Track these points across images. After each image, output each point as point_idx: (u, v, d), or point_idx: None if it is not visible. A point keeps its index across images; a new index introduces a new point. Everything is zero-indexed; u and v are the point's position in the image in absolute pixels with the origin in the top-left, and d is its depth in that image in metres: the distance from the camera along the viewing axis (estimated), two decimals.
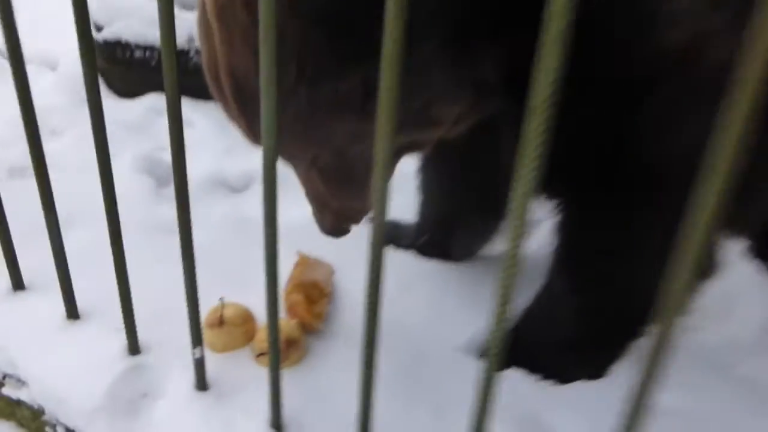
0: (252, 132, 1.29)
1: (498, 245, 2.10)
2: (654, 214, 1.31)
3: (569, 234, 1.47)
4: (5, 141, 2.43)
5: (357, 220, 1.56)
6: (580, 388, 1.64)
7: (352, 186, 1.43)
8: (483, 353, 1.73)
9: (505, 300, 0.88)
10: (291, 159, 1.37)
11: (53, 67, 3.30)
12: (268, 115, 0.96)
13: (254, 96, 1.03)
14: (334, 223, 1.51)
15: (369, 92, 1.14)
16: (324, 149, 1.31)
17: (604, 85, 1.20)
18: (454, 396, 1.53)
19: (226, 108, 1.32)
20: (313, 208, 1.51)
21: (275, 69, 0.92)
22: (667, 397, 1.71)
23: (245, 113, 1.26)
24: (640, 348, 1.69)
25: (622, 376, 1.69)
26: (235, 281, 1.76)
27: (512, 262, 0.84)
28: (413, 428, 1.43)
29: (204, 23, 1.23)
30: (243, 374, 1.49)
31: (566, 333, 1.63)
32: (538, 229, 2.33)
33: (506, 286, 0.86)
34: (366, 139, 1.21)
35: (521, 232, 0.82)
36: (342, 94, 1.19)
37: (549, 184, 0.96)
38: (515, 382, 1.61)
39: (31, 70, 3.37)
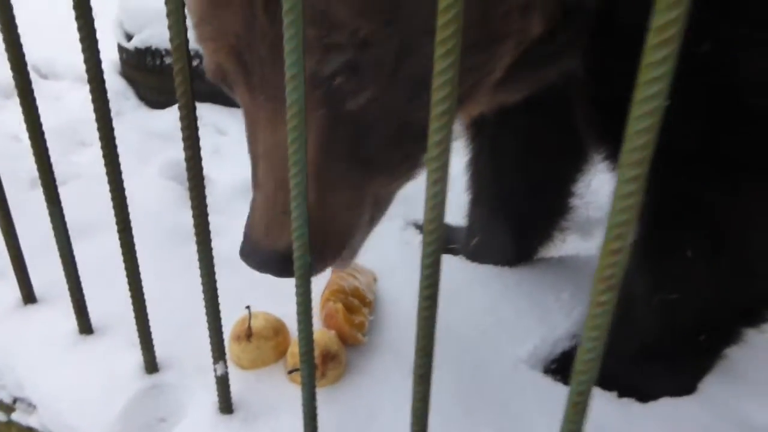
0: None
1: (560, 245, 1.88)
2: (765, 188, 1.08)
3: (655, 219, 1.24)
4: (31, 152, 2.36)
5: (338, 253, 1.02)
6: (667, 405, 1.41)
7: (376, 163, 0.95)
8: (550, 366, 1.52)
9: (602, 307, 0.66)
10: (323, 41, 0.81)
11: (87, 80, 3.28)
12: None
13: None
14: (287, 240, 0.89)
15: None
16: (387, 29, 0.79)
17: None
18: (518, 414, 1.32)
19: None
20: (261, 202, 0.99)
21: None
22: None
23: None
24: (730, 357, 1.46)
25: (716, 391, 1.45)
26: (268, 290, 1.60)
27: (611, 261, 0.62)
28: None
29: None
30: (274, 394, 1.30)
31: (648, 339, 1.41)
32: (600, 227, 2.12)
33: (605, 292, 0.64)
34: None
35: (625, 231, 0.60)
36: None
37: None
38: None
39: (65, 85, 3.38)
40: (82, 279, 1.41)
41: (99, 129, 1.13)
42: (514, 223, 1.81)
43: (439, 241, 0.74)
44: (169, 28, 0.94)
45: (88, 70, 1.09)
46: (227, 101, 2.90)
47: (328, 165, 0.88)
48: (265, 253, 0.90)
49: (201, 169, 1.03)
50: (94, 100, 1.11)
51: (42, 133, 1.24)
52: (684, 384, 1.45)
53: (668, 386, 1.43)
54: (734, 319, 1.36)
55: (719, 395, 1.43)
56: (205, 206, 1.06)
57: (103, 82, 1.10)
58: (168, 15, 0.93)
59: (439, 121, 0.67)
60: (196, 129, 1.01)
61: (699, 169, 1.11)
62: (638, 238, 1.31)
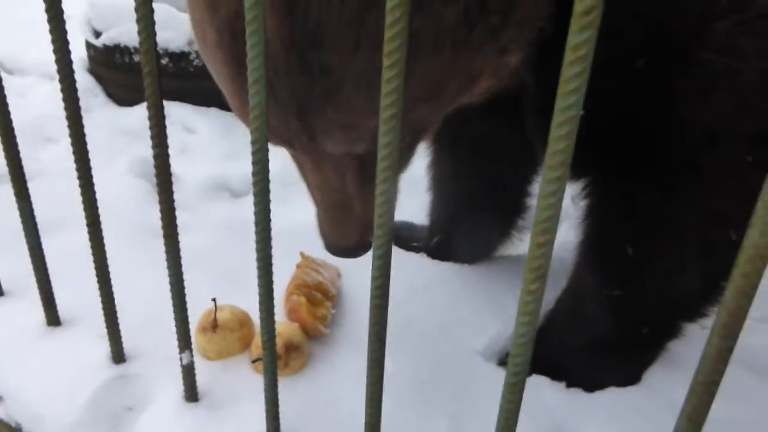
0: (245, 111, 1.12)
1: (518, 243, 1.96)
2: (698, 187, 1.16)
3: (598, 219, 1.33)
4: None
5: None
6: (613, 394, 1.49)
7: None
8: (504, 358, 1.60)
9: (533, 295, 0.73)
10: (348, 136, 1.01)
11: (53, 77, 3.26)
12: (257, 73, 0.82)
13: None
14: (358, 236, 1.20)
15: (473, 20, 0.93)
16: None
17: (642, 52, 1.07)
18: (472, 404, 1.39)
19: (218, 75, 1.06)
20: (330, 220, 1.20)
21: (263, 65, 0.78)
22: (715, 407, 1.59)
23: (238, 79, 0.98)
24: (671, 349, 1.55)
25: (658, 380, 1.54)
26: (235, 284, 1.66)
27: (539, 253, 0.70)
28: None
29: None
30: (238, 383, 1.35)
31: (596, 333, 1.48)
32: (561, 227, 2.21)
33: (535, 281, 0.72)
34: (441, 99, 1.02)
35: (550, 225, 0.68)
36: (447, 23, 0.90)
37: (576, 161, 0.79)
38: (540, 389, 1.46)
39: (30, 81, 3.35)
40: (50, 273, 1.43)
41: (69, 126, 1.17)
42: (473, 222, 1.88)
43: (389, 233, 0.81)
44: (139, 33, 0.98)
45: (59, 70, 1.12)
46: (195, 100, 2.92)
47: (363, 186, 1.14)
48: (341, 248, 1.23)
49: (168, 165, 1.08)
50: (64, 99, 1.15)
51: (12, 129, 1.27)
52: (629, 374, 1.53)
53: (615, 377, 1.51)
54: (674, 314, 1.44)
55: (661, 384, 1.52)
56: (173, 200, 1.10)
57: (73, 79, 1.14)
58: (137, 21, 0.98)
59: (387, 125, 0.73)
60: (164, 128, 1.05)
61: (636, 173, 1.20)
62: (584, 238, 1.40)
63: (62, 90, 1.14)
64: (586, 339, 1.50)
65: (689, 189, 1.19)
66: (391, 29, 0.68)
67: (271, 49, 0.90)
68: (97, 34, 2.92)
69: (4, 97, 1.27)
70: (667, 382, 1.53)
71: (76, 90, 1.16)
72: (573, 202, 2.37)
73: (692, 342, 1.55)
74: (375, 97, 0.86)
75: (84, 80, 3.09)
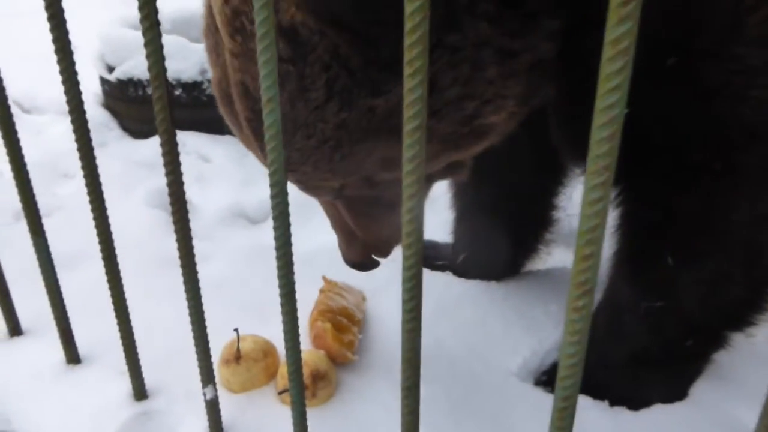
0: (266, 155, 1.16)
1: (546, 258, 1.89)
2: (741, 189, 1.10)
3: (634, 228, 1.26)
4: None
5: (386, 253, 1.38)
6: (659, 412, 1.42)
7: (381, 216, 1.26)
8: (541, 378, 1.53)
9: (580, 312, 0.67)
10: (314, 191, 1.18)
11: (68, 113, 3.29)
12: (273, 130, 0.79)
13: None
14: (362, 255, 1.35)
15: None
16: (352, 178, 1.11)
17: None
18: (510, 427, 1.32)
19: (238, 130, 1.16)
20: (339, 240, 1.36)
21: (276, 83, 0.76)
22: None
23: (258, 133, 1.07)
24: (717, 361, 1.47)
25: (706, 395, 1.46)
26: (257, 313, 1.62)
27: (585, 267, 0.64)
28: None
29: (212, 35, 1.09)
30: (265, 416, 1.30)
31: (636, 347, 1.41)
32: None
33: (581, 297, 0.66)
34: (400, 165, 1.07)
35: (596, 236, 0.62)
36: (379, 114, 0.98)
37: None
38: (582, 410, 1.36)
39: (47, 119, 3.38)
40: (68, 309, 1.40)
41: (80, 154, 1.14)
42: (498, 238, 1.82)
43: (418, 254, 0.76)
44: (147, 57, 0.95)
45: (68, 101, 1.10)
46: (210, 129, 2.91)
47: (355, 219, 1.27)
48: (350, 263, 1.36)
49: (183, 192, 1.04)
50: (75, 130, 1.13)
51: (24, 165, 1.24)
52: (675, 390, 1.46)
53: (659, 393, 1.44)
54: (719, 323, 1.37)
55: (710, 399, 1.44)
56: (189, 228, 1.06)
57: (83, 108, 1.12)
58: (145, 45, 0.95)
59: (411, 137, 0.69)
60: (177, 153, 1.02)
61: (672, 177, 1.13)
62: (620, 248, 1.33)
63: (72, 121, 1.12)
64: (627, 354, 1.43)
65: (731, 191, 1.12)
66: (411, 35, 0.64)
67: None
68: (111, 69, 2.94)
69: (16, 133, 1.25)
70: (716, 397, 1.45)
71: (86, 119, 1.14)
72: None
73: (739, 353, 1.48)
74: (320, 167, 1.05)
75: (99, 115, 3.10)
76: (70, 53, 1.07)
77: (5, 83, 1.21)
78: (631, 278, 1.34)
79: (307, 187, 1.15)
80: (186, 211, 1.06)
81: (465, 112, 1.01)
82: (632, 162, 1.14)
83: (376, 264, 1.38)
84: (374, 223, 1.27)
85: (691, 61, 1.02)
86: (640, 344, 1.40)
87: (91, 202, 1.14)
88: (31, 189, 1.26)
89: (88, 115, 1.15)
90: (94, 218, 1.14)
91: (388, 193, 1.18)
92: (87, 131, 1.14)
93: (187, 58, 2.76)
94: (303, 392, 1.03)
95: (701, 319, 1.33)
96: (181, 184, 1.03)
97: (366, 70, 0.94)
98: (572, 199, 1.88)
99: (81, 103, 1.11)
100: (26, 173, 1.25)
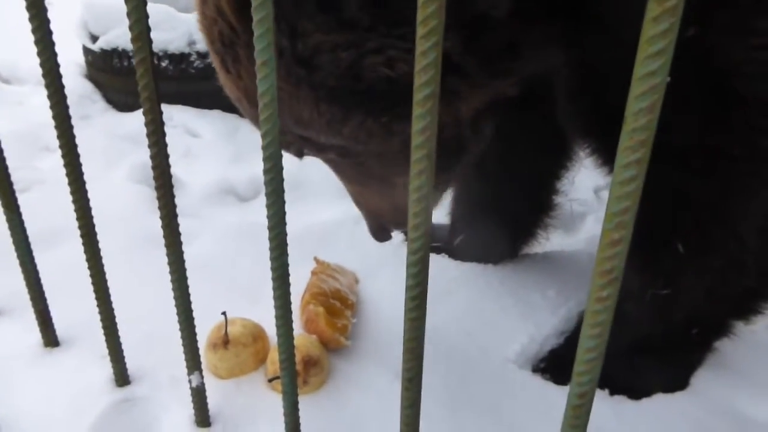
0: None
1: (544, 242, 1.84)
2: (759, 175, 1.05)
3: (642, 212, 1.20)
4: None
5: (397, 225, 1.36)
6: (660, 401, 1.38)
7: (375, 188, 1.22)
8: (539, 365, 1.48)
9: (604, 303, 0.61)
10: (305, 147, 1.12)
11: None
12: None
13: None
14: (373, 226, 1.35)
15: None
16: (291, 132, 1.06)
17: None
18: (510, 418, 1.27)
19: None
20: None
21: (271, 45, 0.70)
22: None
23: None
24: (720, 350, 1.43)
25: (708, 385, 1.42)
26: (245, 295, 1.56)
27: (612, 253, 0.58)
28: None
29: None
30: (254, 404, 1.24)
31: (639, 335, 1.37)
32: (587, 221, 2.09)
33: (606, 287, 0.60)
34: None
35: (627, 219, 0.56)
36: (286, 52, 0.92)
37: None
38: None
39: (28, 89, 3.26)
40: (47, 289, 1.33)
41: (56, 124, 1.07)
42: (497, 221, 1.77)
43: (426, 237, 0.69)
44: (130, 28, 0.88)
45: (45, 77, 1.03)
46: (198, 103, 2.82)
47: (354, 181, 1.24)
48: (374, 233, 1.37)
49: (168, 166, 0.97)
50: (50, 96, 1.05)
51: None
52: (676, 379, 1.42)
53: (660, 382, 1.40)
54: (725, 312, 1.33)
55: (711, 389, 1.41)
56: (174, 205, 0.99)
57: (60, 78, 1.05)
58: (128, 14, 0.88)
59: (422, 107, 0.62)
60: (162, 123, 0.95)
61: (689, 161, 1.07)
62: None
63: (47, 90, 1.04)
64: (629, 342, 1.39)
65: (750, 177, 1.07)
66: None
67: None
68: (94, 39, 2.82)
69: None
70: (717, 386, 1.42)
71: (63, 88, 1.06)
72: (596, 195, 2.26)
73: (740, 342, 1.44)
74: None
75: (82, 86, 2.99)
76: (46, 20, 0.99)
77: None
78: (639, 265, 1.28)
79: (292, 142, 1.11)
80: (171, 187, 0.98)
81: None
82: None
83: (388, 236, 1.40)
84: (370, 193, 1.23)
85: (710, 34, 0.96)
86: (643, 333, 1.37)
87: (67, 175, 1.07)
88: (3, 160, 1.17)
89: (71, 87, 1.07)
90: (72, 192, 1.07)
91: (367, 163, 1.12)
92: (64, 99, 1.06)
93: (175, 29, 2.65)
94: (295, 382, 0.97)
95: (708, 307, 1.29)
96: (166, 157, 0.96)
97: None
98: (574, 184, 1.83)
99: (57, 69, 1.03)
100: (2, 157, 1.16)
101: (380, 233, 1.38)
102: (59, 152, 2.58)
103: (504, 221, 1.77)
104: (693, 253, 1.17)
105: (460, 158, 1.18)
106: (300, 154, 1.14)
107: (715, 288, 1.23)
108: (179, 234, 1.01)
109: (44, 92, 3.21)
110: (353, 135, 1.01)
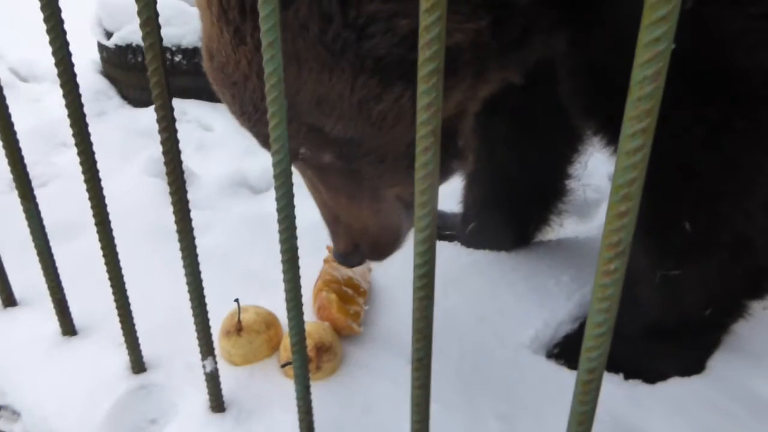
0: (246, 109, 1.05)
1: (558, 229, 1.83)
2: (762, 143, 1.03)
3: (649, 191, 1.18)
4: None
5: (375, 252, 1.24)
6: (676, 385, 1.37)
7: (363, 200, 1.12)
8: (553, 351, 1.48)
9: (612, 276, 0.61)
10: (266, 143, 1.05)
11: None
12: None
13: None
14: (345, 245, 1.21)
15: (323, 18, 0.87)
16: (296, 126, 0.98)
17: None
18: (523, 403, 1.27)
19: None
20: (327, 227, 1.24)
21: (277, 25, 0.70)
22: None
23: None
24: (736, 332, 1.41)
25: (724, 368, 1.41)
26: (258, 284, 1.57)
27: (619, 225, 0.58)
28: None
29: None
30: (267, 390, 1.25)
31: (651, 318, 1.36)
32: (601, 208, 2.07)
33: (614, 260, 0.60)
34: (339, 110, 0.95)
35: (633, 191, 0.56)
36: (302, 19, 0.87)
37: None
38: None
39: (45, 87, 3.30)
40: (64, 280, 1.35)
41: (71, 120, 1.08)
42: (509, 208, 1.76)
43: (433, 215, 0.69)
44: (142, 26, 0.88)
45: (59, 74, 1.04)
46: (212, 97, 2.83)
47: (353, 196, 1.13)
48: (343, 256, 1.23)
49: (180, 160, 0.98)
50: (63, 88, 1.06)
51: (12, 125, 1.18)
52: (692, 362, 1.40)
53: (676, 366, 1.39)
54: (737, 291, 1.31)
55: (727, 373, 1.39)
56: (185, 192, 1.00)
57: (74, 74, 1.06)
58: (139, 13, 0.88)
59: (426, 82, 0.62)
60: (173, 119, 0.96)
61: (692, 135, 1.06)
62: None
63: (62, 86, 1.05)
64: (642, 326, 1.38)
65: (754, 150, 1.05)
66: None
67: None
68: (109, 35, 2.85)
69: (4, 98, 1.17)
70: (734, 369, 1.40)
71: (77, 85, 1.07)
72: (610, 181, 2.24)
73: (758, 324, 1.42)
74: (256, 104, 0.97)
75: (97, 83, 3.02)
76: (60, 18, 1.00)
77: (4, 53, 1.14)
78: (647, 246, 1.27)
79: (258, 134, 1.05)
80: (182, 175, 0.99)
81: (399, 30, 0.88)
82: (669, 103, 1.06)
83: (360, 259, 1.24)
84: (356, 206, 1.14)
85: (709, 5, 0.94)
86: (655, 315, 1.35)
87: (81, 164, 1.09)
88: (19, 150, 1.19)
89: (86, 83, 1.09)
90: (86, 181, 1.08)
91: (363, 171, 1.06)
92: (77, 94, 1.07)
93: (187, 23, 2.67)
94: (306, 364, 0.98)
95: (719, 287, 1.27)
96: (178, 150, 0.97)
97: None
98: (587, 169, 1.81)
99: (71, 65, 1.04)
100: (14, 134, 1.18)
101: (351, 256, 1.22)
102: (75, 148, 2.63)
103: (516, 208, 1.76)
104: (700, 231, 1.15)
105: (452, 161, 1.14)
106: (295, 154, 1.05)
107: (725, 267, 1.21)
108: (190, 221, 1.02)
109: (60, 90, 3.23)
110: (382, 116, 0.96)
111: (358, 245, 1.20)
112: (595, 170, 2.03)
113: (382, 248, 1.22)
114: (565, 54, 1.11)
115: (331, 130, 0.98)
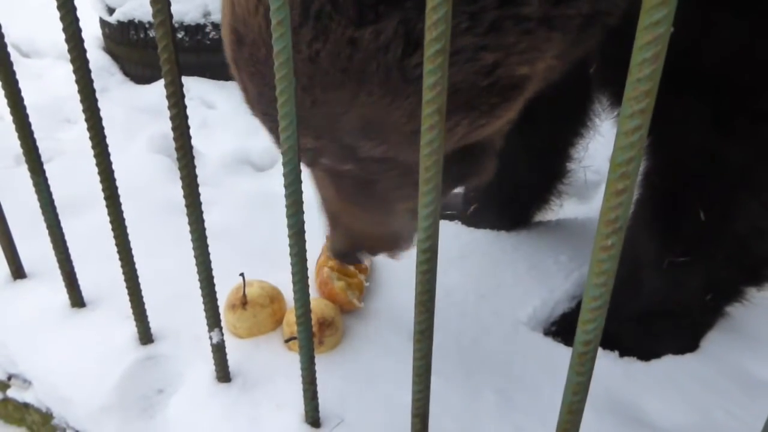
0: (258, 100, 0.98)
1: (558, 209, 1.85)
2: None
3: (665, 177, 1.19)
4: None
5: (374, 251, 1.23)
6: (670, 363, 1.40)
7: (373, 210, 1.10)
8: (550, 328, 1.51)
9: (608, 251, 0.63)
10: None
11: (68, 58, 3.22)
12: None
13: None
14: (345, 245, 1.20)
15: (410, 42, 0.79)
16: (327, 140, 0.93)
17: None
18: (520, 378, 1.31)
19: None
20: (324, 221, 1.22)
21: (286, 3, 0.70)
22: None
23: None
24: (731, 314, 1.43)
25: (718, 347, 1.44)
26: (263, 259, 1.59)
27: (616, 203, 0.60)
28: (477, 416, 1.20)
29: None
30: (272, 362, 1.28)
31: (653, 300, 1.38)
32: (600, 190, 2.09)
33: (611, 236, 0.62)
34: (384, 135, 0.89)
35: (631, 169, 0.57)
36: (361, 51, 0.80)
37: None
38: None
39: (47, 63, 3.30)
40: (72, 254, 1.38)
41: (81, 97, 1.09)
42: (510, 188, 1.78)
43: (436, 193, 0.72)
44: (152, 3, 0.89)
45: (70, 49, 1.05)
46: (215, 74, 2.84)
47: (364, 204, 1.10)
48: (340, 253, 1.23)
49: (189, 135, 0.99)
50: (75, 71, 1.07)
51: (22, 99, 1.19)
52: (687, 342, 1.43)
53: (671, 344, 1.42)
54: (741, 279, 1.33)
55: (721, 352, 1.42)
56: (195, 173, 1.02)
57: (85, 55, 1.06)
58: None
59: (432, 63, 0.64)
60: (184, 104, 0.97)
61: (715, 121, 1.05)
62: (645, 199, 1.27)
63: (72, 61, 1.06)
64: (641, 307, 1.40)
65: None
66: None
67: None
68: (111, 11, 2.85)
69: (14, 72, 1.18)
70: (728, 349, 1.43)
71: (87, 63, 1.08)
72: None
73: (752, 306, 1.45)
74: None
75: (100, 59, 3.02)
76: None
77: (4, 28, 1.15)
78: (657, 231, 1.28)
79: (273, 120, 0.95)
80: (191, 150, 1.01)
81: (483, 62, 0.83)
82: (669, 101, 1.06)
83: (356, 261, 1.25)
84: (364, 214, 1.12)
85: None
86: (657, 298, 1.37)
87: (91, 138, 1.10)
88: (29, 125, 1.21)
89: (87, 58, 1.09)
90: (95, 156, 1.10)
91: (381, 182, 1.02)
92: (88, 73, 1.08)
93: (190, 0, 2.67)
94: (311, 335, 1.01)
95: (725, 275, 1.29)
96: (187, 126, 0.98)
97: None
98: (588, 151, 1.83)
99: (82, 42, 1.05)
100: (24, 108, 1.20)
101: (349, 256, 1.23)
102: (80, 124, 2.65)
103: (517, 188, 1.78)
104: (715, 220, 1.17)
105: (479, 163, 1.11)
106: (312, 164, 1.01)
107: (735, 255, 1.23)
108: (199, 195, 1.04)
109: (62, 66, 3.28)
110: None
111: (356, 247, 1.20)
112: (597, 153, 2.05)
113: (380, 251, 1.23)
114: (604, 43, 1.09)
115: (367, 150, 0.93)
